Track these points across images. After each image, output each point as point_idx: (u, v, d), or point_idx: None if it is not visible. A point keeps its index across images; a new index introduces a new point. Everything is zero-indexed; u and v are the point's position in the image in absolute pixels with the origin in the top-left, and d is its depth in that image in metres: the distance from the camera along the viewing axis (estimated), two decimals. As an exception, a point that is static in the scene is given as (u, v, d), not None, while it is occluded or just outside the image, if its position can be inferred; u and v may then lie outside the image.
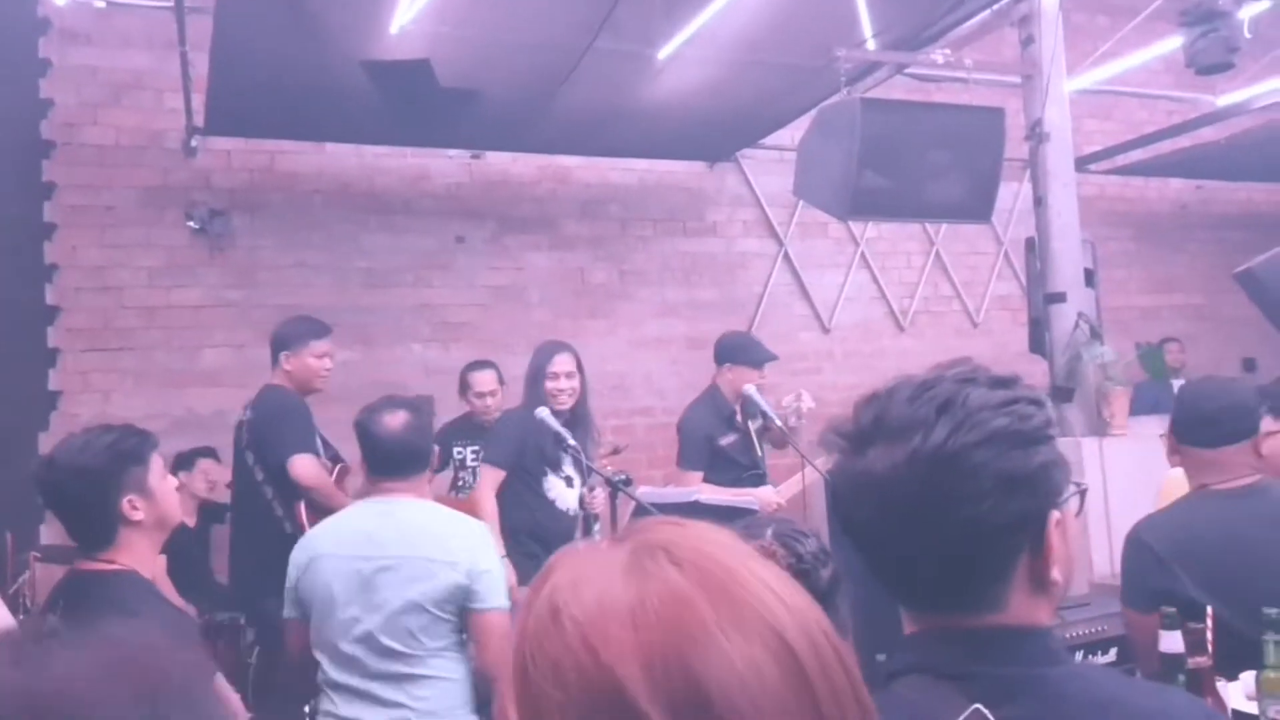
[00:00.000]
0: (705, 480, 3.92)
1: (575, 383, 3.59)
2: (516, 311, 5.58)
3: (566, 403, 3.53)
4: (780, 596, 0.60)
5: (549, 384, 3.54)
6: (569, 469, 3.59)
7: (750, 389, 3.88)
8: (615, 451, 4.43)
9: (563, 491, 3.61)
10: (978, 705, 0.87)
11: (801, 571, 1.32)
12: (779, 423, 3.88)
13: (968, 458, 0.92)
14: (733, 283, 6.14)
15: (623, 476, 3.11)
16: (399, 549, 2.28)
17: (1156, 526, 2.13)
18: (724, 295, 6.09)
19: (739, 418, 4.05)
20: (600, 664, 0.57)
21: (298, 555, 2.39)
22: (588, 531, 3.64)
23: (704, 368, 5.94)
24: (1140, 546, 2.10)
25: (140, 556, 1.95)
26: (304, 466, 3.23)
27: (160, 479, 2.00)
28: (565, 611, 0.59)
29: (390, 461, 2.38)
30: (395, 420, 2.38)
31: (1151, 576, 2.05)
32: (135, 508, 1.92)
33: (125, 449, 1.94)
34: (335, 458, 3.52)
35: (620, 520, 3.13)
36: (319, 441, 3.43)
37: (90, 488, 1.90)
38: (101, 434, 1.97)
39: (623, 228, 5.90)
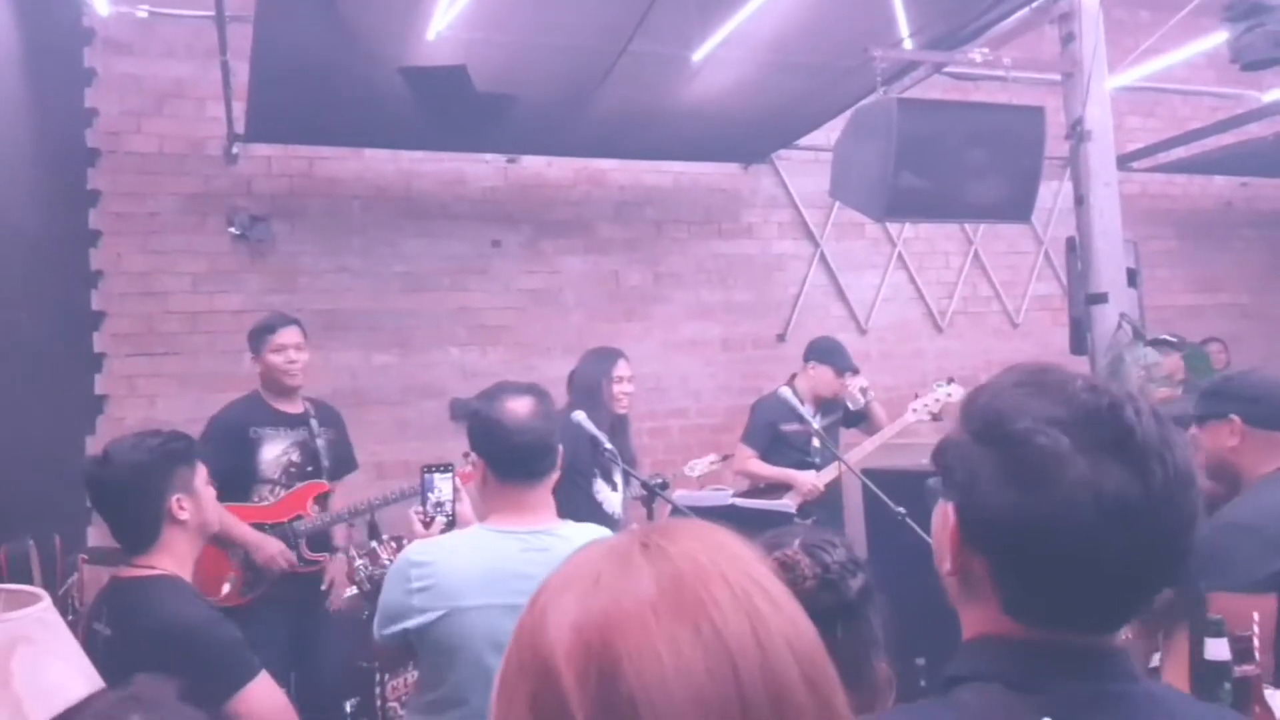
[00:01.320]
0: (763, 459, 4.26)
1: (633, 387, 3.79)
2: (552, 315, 5.60)
3: (628, 407, 3.72)
4: (749, 604, 0.60)
5: (615, 388, 3.72)
6: (618, 474, 3.63)
7: (785, 392, 3.91)
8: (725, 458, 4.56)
9: (609, 495, 3.65)
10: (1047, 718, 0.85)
11: (828, 582, 1.28)
12: (814, 424, 4.04)
13: (1196, 480, 0.88)
14: (768, 284, 6.11)
15: (660, 480, 3.11)
16: None
17: (1255, 509, 2.13)
18: (759, 297, 6.07)
19: (806, 413, 4.18)
20: (539, 634, 0.60)
21: (421, 600, 1.88)
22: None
23: (739, 369, 5.97)
24: (1245, 530, 2.08)
25: (181, 560, 1.99)
26: None
27: (204, 484, 2.05)
28: (542, 595, 0.63)
29: (524, 459, 1.97)
30: (522, 406, 1.97)
31: (1269, 557, 2.02)
32: (182, 508, 1.97)
33: (175, 450, 2.00)
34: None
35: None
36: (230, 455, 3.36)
37: (140, 484, 1.95)
38: (151, 435, 2.03)
39: (658, 230, 5.90)
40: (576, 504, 3.58)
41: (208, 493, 2.05)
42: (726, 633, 0.58)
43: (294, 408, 3.63)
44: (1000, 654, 0.92)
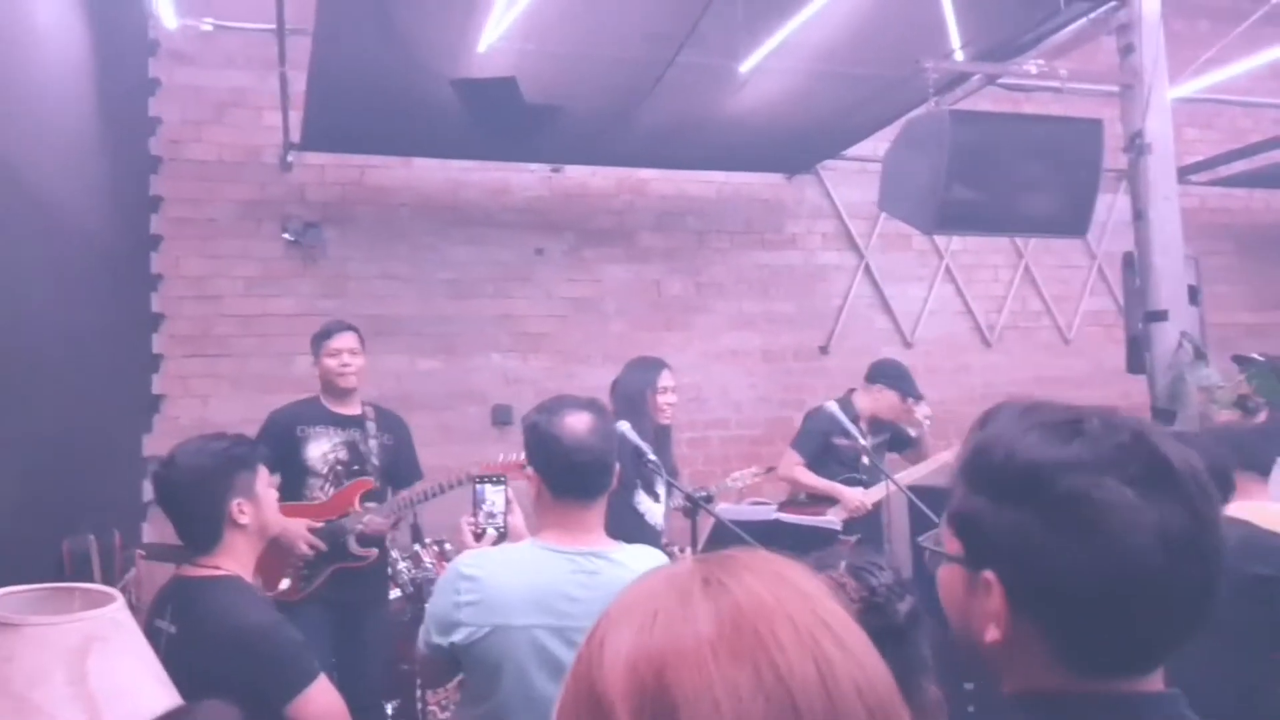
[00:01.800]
0: (809, 468, 4.21)
1: (676, 398, 3.79)
2: (594, 323, 5.63)
3: (671, 418, 3.71)
4: (816, 648, 0.57)
5: (659, 399, 3.72)
6: (660, 486, 3.63)
7: (832, 406, 3.91)
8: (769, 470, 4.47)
9: (651, 507, 3.65)
10: None
11: (875, 605, 1.26)
12: (863, 442, 4.01)
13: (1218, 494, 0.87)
14: (811, 295, 6.09)
15: (705, 493, 3.11)
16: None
17: None
18: (802, 308, 6.04)
19: (863, 426, 4.21)
20: (597, 668, 0.59)
21: (468, 614, 1.87)
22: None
23: (780, 380, 5.94)
24: None
25: (242, 561, 2.03)
26: None
27: (265, 488, 2.09)
28: (600, 626, 0.62)
29: (580, 478, 1.94)
30: (581, 423, 1.94)
31: None
32: (242, 511, 2.01)
33: (237, 454, 2.05)
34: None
35: (700, 536, 3.13)
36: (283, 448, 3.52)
37: (203, 488, 2.00)
38: (216, 439, 2.08)
39: (700, 240, 5.90)
40: (618, 514, 3.58)
41: (269, 495, 2.09)
42: (790, 679, 0.55)
43: (349, 409, 3.71)
44: (1064, 709, 0.88)
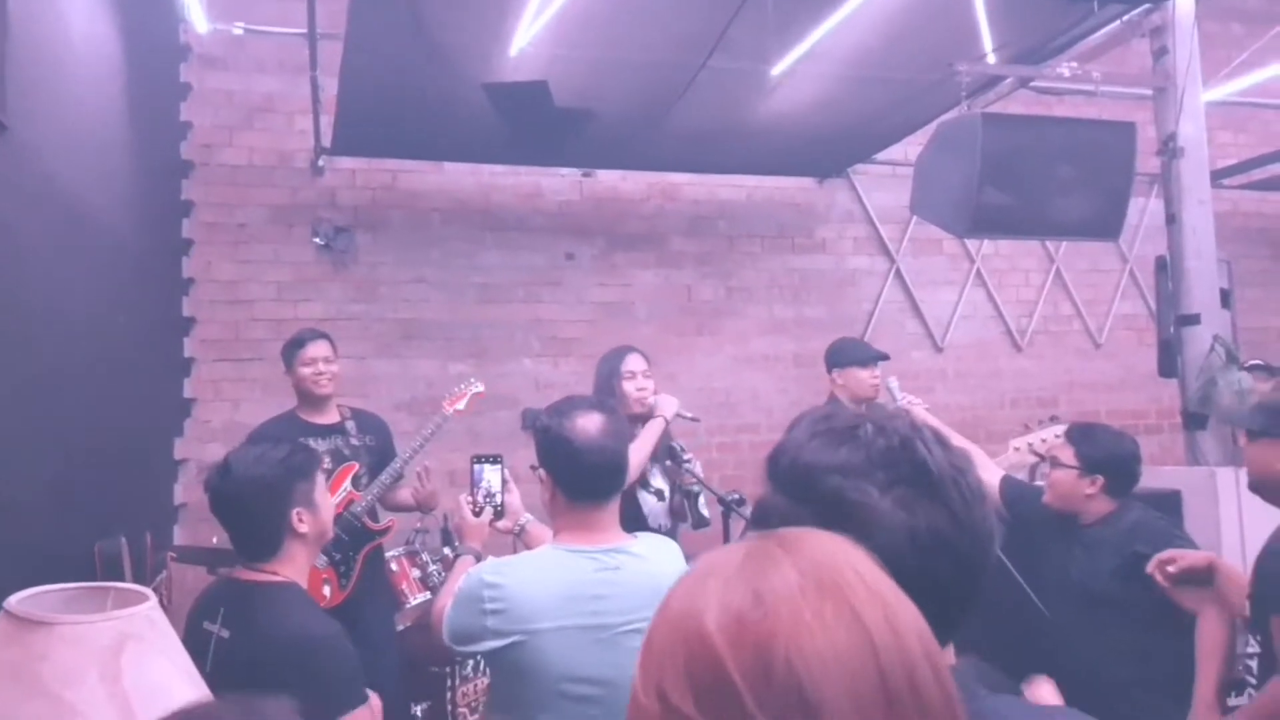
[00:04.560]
0: None
1: (650, 383, 3.47)
2: (624, 327, 5.62)
3: (648, 405, 3.41)
4: (881, 596, 0.66)
5: (627, 385, 3.41)
6: (658, 482, 3.52)
7: (892, 382, 3.81)
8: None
9: (654, 506, 3.57)
10: None
11: None
12: (905, 404, 3.82)
13: (986, 498, 0.96)
14: (842, 300, 6.05)
15: (736, 496, 3.09)
16: (644, 611, 1.96)
17: None
18: (833, 312, 6.00)
19: None
20: (689, 610, 0.66)
21: (496, 623, 1.84)
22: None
23: (811, 385, 5.89)
24: None
25: (300, 569, 2.01)
26: None
27: (322, 494, 2.06)
28: (682, 584, 0.70)
29: (594, 479, 1.94)
30: (592, 424, 1.92)
31: None
32: (302, 520, 1.99)
33: (296, 464, 2.02)
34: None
35: (732, 539, 3.10)
36: None
37: (263, 498, 1.97)
38: (274, 448, 2.06)
39: (730, 244, 5.88)
40: (621, 511, 3.48)
41: (325, 501, 2.07)
42: (865, 616, 0.64)
43: (328, 418, 3.72)
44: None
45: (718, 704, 0.63)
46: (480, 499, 2.28)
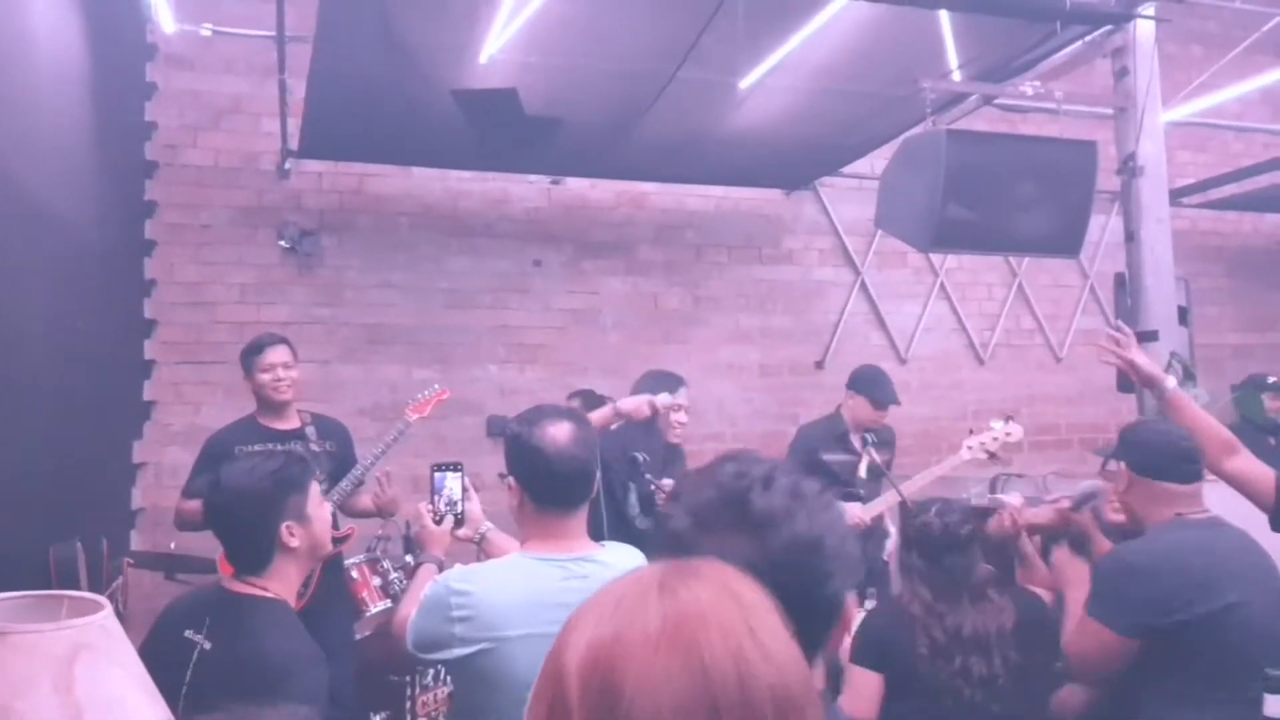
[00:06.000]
0: None
1: (687, 417, 3.77)
2: (591, 335, 5.63)
3: (682, 437, 3.75)
4: (739, 652, 0.67)
5: (672, 416, 3.69)
6: (632, 505, 3.63)
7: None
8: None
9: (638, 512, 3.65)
10: None
11: (948, 530, 2.46)
12: (861, 451, 4.11)
13: (820, 545, 1.03)
14: (808, 311, 6.10)
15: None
16: None
17: (1148, 554, 2.29)
18: (798, 323, 6.05)
19: (854, 442, 4.23)
20: (562, 646, 0.70)
21: (463, 630, 1.84)
22: None
23: (776, 395, 5.95)
24: (1134, 572, 2.25)
25: (289, 584, 1.98)
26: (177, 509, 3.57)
27: (317, 506, 2.02)
28: (561, 641, 0.73)
29: (563, 487, 1.94)
30: (562, 433, 1.93)
31: (1149, 610, 2.20)
32: (293, 534, 1.95)
33: (287, 476, 1.98)
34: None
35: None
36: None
37: (252, 512, 1.93)
38: (267, 460, 2.03)
39: (698, 254, 5.91)
40: (611, 522, 3.57)
41: (320, 514, 2.03)
42: (712, 673, 0.66)
43: (287, 424, 3.68)
44: None
45: None
46: (441, 507, 2.26)
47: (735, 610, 0.70)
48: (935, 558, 2.45)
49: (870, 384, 4.25)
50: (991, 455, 3.90)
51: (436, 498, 2.27)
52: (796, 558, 1.00)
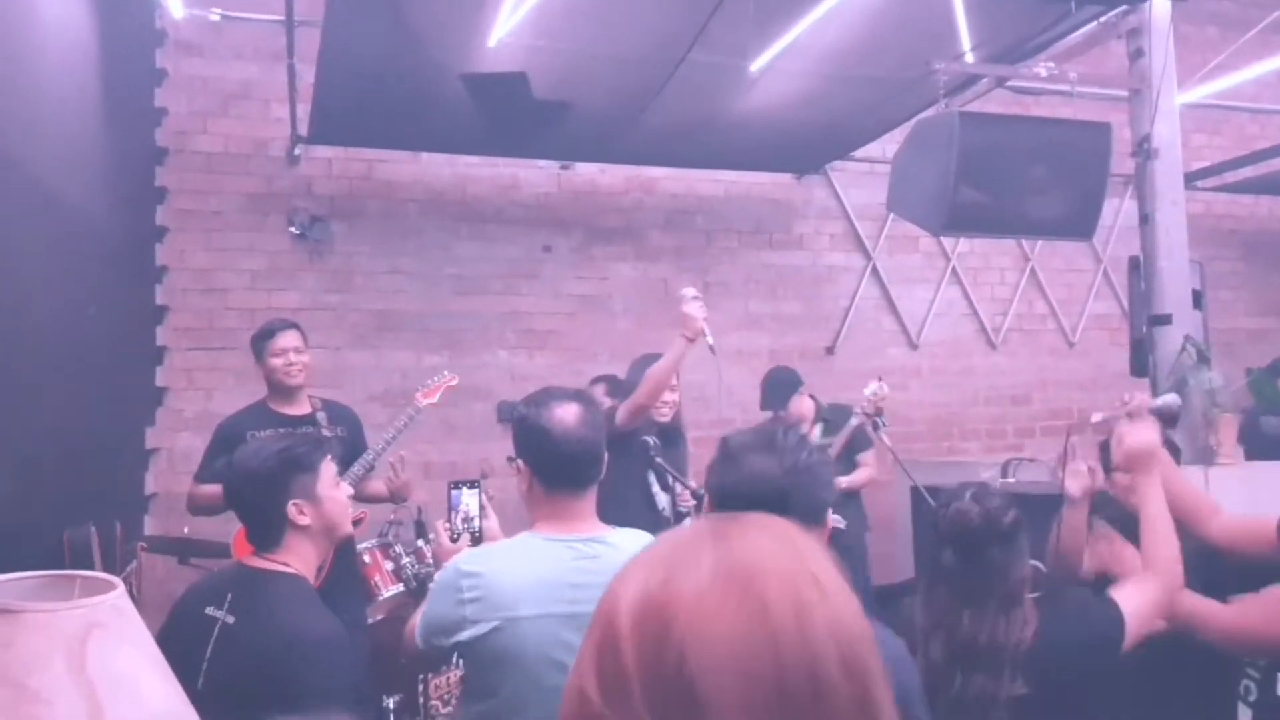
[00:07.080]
0: None
1: (676, 396, 3.74)
2: (601, 320, 5.62)
3: (668, 416, 3.70)
4: (795, 594, 0.66)
5: (665, 395, 3.68)
6: (661, 500, 3.64)
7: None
8: None
9: (665, 499, 3.66)
10: None
11: (989, 517, 1.98)
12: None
13: (821, 473, 1.59)
14: (818, 296, 6.07)
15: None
16: None
17: None
18: (809, 309, 6.03)
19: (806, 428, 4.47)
20: (614, 593, 0.69)
21: (474, 611, 1.83)
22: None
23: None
24: None
25: (305, 561, 1.99)
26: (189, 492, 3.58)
27: (330, 487, 2.03)
28: (613, 589, 0.72)
29: (572, 469, 1.94)
30: (570, 414, 1.92)
31: None
32: (301, 512, 1.97)
33: (293, 456, 2.00)
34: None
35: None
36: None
37: (258, 491, 1.97)
38: (276, 440, 2.06)
39: (708, 239, 5.89)
40: (635, 504, 3.56)
41: (334, 495, 2.04)
42: (772, 610, 0.65)
43: (298, 409, 3.66)
44: None
45: (612, 692, 0.64)
46: (458, 524, 2.24)
47: (792, 553, 0.70)
48: (974, 552, 1.97)
49: (771, 386, 4.78)
50: (870, 416, 4.35)
51: (454, 514, 2.24)
52: (804, 476, 1.53)
